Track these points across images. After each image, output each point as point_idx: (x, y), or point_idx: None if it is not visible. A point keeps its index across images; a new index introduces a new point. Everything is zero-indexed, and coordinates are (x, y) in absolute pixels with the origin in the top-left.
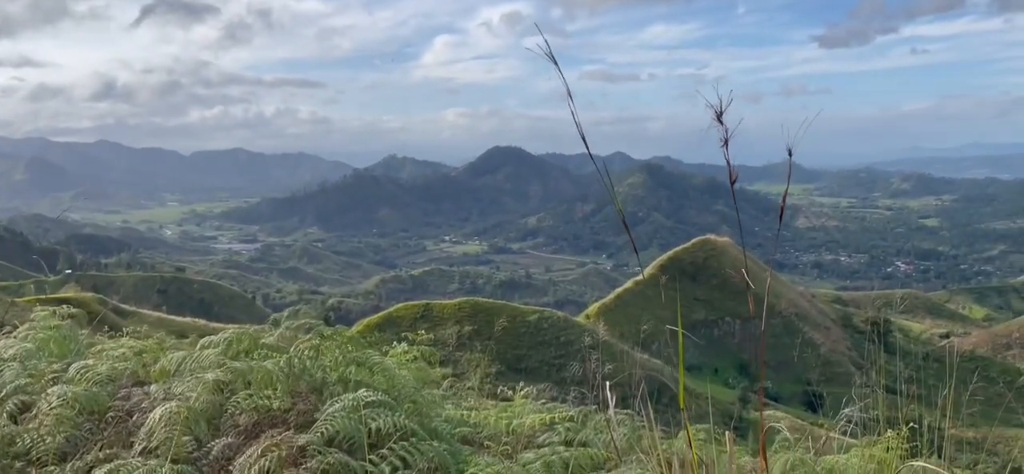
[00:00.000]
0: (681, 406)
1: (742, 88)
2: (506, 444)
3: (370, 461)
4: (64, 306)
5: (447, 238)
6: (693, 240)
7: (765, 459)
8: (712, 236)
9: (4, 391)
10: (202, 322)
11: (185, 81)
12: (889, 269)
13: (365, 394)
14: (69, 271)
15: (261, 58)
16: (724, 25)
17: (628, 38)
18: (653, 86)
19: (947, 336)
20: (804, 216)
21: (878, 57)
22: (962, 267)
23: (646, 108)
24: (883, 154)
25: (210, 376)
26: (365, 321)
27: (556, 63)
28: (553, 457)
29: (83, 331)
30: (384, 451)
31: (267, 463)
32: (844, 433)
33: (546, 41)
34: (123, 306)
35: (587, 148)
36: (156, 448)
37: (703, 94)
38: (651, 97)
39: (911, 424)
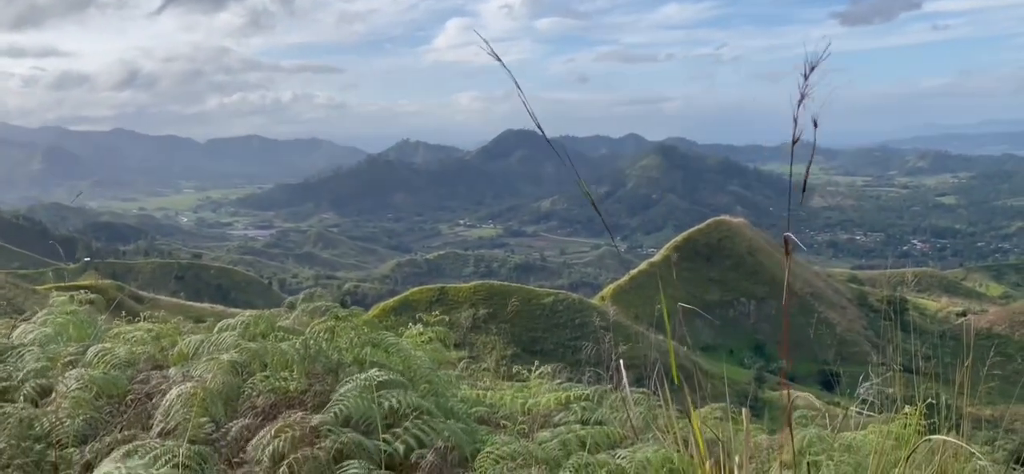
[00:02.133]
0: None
1: (760, 67)
2: (522, 423)
3: (384, 440)
4: (83, 291)
5: (462, 222)
6: (707, 221)
7: (792, 428)
8: (726, 217)
9: (23, 374)
10: (219, 308)
11: (206, 68)
12: (905, 248)
13: (376, 373)
14: (87, 259)
15: (281, 43)
16: (739, 3)
17: (640, 18)
18: (670, 67)
19: (964, 314)
20: (819, 195)
21: (898, 33)
22: (979, 245)
23: (662, 89)
24: (900, 131)
25: (225, 357)
26: (381, 305)
27: None
28: (569, 435)
29: (102, 316)
30: (398, 430)
31: (281, 444)
32: (861, 412)
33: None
34: (141, 292)
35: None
36: (174, 429)
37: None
38: (667, 78)
39: (929, 400)
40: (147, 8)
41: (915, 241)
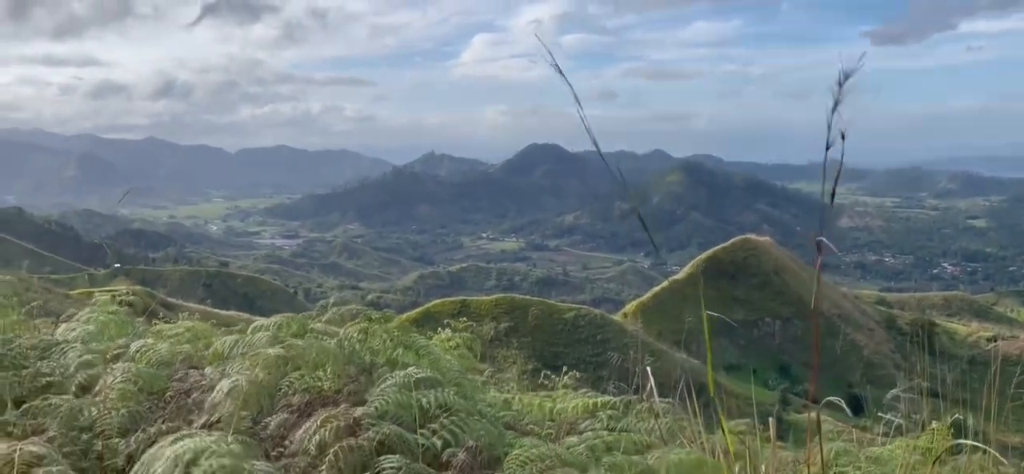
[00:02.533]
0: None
1: (789, 86)
2: (549, 429)
3: (422, 435)
4: (124, 291)
5: (485, 235)
6: (733, 239)
7: (821, 431)
8: (752, 235)
9: (71, 368)
10: (246, 315)
11: (240, 79)
12: (935, 270)
13: (415, 371)
14: (118, 265)
15: (313, 56)
16: (769, 22)
17: (667, 35)
18: (697, 84)
19: (994, 339)
20: (847, 216)
21: (931, 54)
22: (1010, 269)
23: (688, 106)
24: (931, 153)
25: (272, 351)
26: (403, 316)
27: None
28: (596, 441)
29: (138, 319)
30: (435, 426)
31: (326, 433)
32: (887, 433)
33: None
34: (170, 300)
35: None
36: (217, 422)
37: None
38: (694, 95)
39: (956, 415)
40: (184, 20)
41: (945, 264)
